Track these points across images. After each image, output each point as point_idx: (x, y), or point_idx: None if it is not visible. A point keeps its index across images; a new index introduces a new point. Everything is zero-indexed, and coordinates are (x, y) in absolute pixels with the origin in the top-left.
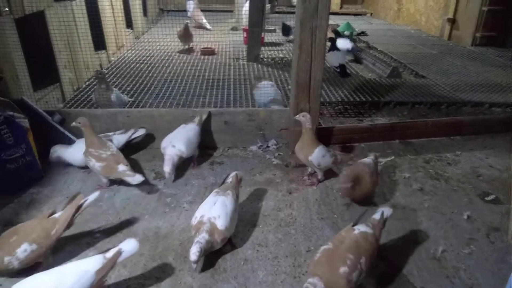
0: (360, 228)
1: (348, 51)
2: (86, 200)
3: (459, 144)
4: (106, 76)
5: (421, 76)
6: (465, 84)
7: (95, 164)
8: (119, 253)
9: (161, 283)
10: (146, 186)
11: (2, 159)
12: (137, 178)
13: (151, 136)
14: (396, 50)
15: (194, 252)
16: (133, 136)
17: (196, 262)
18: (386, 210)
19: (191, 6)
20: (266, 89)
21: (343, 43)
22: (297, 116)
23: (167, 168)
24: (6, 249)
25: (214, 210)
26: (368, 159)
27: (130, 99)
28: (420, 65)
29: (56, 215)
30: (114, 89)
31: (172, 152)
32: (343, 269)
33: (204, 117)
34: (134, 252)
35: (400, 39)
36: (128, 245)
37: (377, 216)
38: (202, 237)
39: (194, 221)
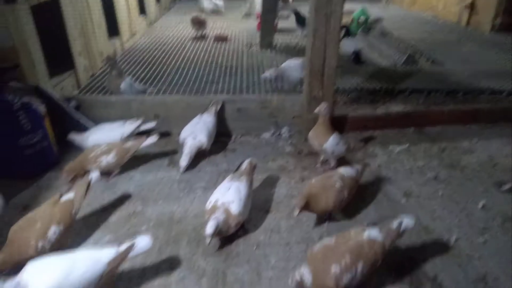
0: (371, 233)
1: None
2: (91, 180)
3: (475, 132)
4: (119, 62)
5: (437, 63)
6: (483, 71)
7: (108, 158)
8: (131, 247)
9: (175, 266)
10: (160, 172)
11: (20, 145)
12: (151, 139)
13: (164, 123)
14: (412, 37)
15: (210, 226)
16: (142, 128)
17: (211, 236)
18: (407, 221)
19: None
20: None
21: None
22: (317, 109)
23: (184, 162)
24: (37, 235)
25: (228, 195)
26: (350, 170)
27: (146, 87)
28: (436, 52)
29: (69, 196)
30: (127, 77)
31: (192, 144)
32: (334, 268)
33: (218, 107)
34: (147, 249)
35: (416, 25)
36: (142, 241)
37: (394, 224)
38: (219, 215)
39: (209, 205)
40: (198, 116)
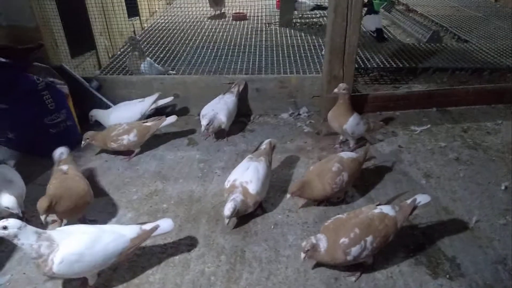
0: (383, 208)
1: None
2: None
3: (500, 112)
4: (140, 43)
5: (463, 41)
6: (511, 49)
7: (129, 137)
8: (155, 228)
9: (195, 243)
10: (180, 151)
11: (45, 124)
12: (171, 118)
13: (184, 103)
14: (437, 13)
15: (228, 208)
16: (160, 103)
17: (229, 217)
18: (422, 198)
19: None
20: None
21: None
22: (336, 89)
23: (205, 121)
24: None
25: (247, 175)
26: (351, 154)
27: (166, 69)
28: (463, 28)
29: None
30: (148, 58)
31: (213, 115)
32: (342, 240)
33: (241, 87)
34: (169, 231)
35: (442, 1)
36: (165, 223)
37: (408, 201)
38: (237, 196)
39: (227, 184)
40: (219, 96)
